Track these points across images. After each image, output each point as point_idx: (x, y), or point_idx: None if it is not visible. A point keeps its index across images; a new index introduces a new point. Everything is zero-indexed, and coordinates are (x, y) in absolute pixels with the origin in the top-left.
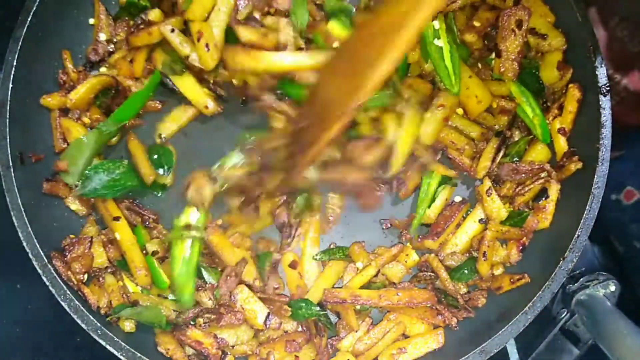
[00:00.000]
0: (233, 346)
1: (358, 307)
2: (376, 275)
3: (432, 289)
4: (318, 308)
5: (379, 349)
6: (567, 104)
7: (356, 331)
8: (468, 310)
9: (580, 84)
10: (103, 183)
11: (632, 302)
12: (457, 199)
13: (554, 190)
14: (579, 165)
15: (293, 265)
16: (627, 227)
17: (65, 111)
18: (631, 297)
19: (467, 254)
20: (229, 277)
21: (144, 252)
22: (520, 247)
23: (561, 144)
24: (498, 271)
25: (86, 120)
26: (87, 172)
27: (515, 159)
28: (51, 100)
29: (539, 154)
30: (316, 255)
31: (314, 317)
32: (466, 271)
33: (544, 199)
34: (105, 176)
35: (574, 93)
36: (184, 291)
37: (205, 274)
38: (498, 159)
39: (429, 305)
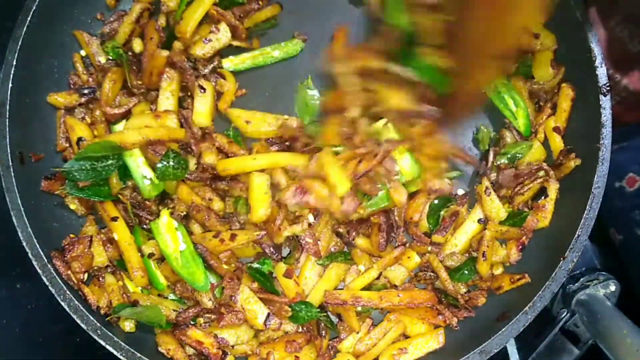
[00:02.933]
0: (233, 346)
1: (359, 308)
2: (378, 277)
3: (432, 289)
4: (318, 310)
5: (380, 348)
6: (560, 102)
7: (357, 332)
8: (468, 310)
9: (573, 83)
10: (90, 187)
11: (632, 302)
12: (460, 192)
13: (552, 189)
14: (578, 162)
15: (288, 274)
16: (630, 213)
17: (70, 110)
18: (631, 297)
19: (467, 255)
20: (231, 280)
21: (141, 253)
22: (520, 247)
23: (557, 142)
24: (498, 271)
25: (89, 119)
26: (76, 174)
27: (515, 157)
28: (58, 99)
29: (535, 153)
30: (317, 260)
31: (315, 319)
32: (466, 272)
33: (543, 198)
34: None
35: (568, 92)
36: (196, 279)
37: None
38: (491, 163)
39: (429, 305)
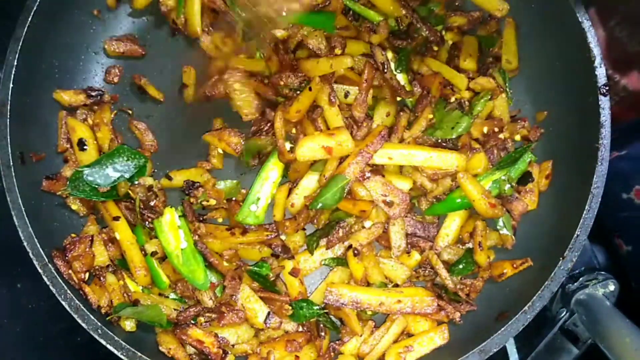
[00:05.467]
0: (234, 345)
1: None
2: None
3: (431, 285)
4: (319, 307)
5: (384, 346)
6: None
7: (360, 335)
8: (471, 304)
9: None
10: (91, 187)
11: (631, 301)
12: None
13: (536, 172)
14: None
15: (294, 273)
16: (639, 225)
17: (72, 111)
18: (630, 296)
19: (460, 245)
20: (232, 280)
21: (144, 252)
22: (513, 231)
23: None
24: (491, 257)
25: (91, 121)
26: (78, 174)
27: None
28: (64, 97)
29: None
30: (324, 260)
31: (315, 317)
32: (461, 265)
33: (529, 181)
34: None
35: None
36: (197, 277)
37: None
38: None
39: (430, 312)
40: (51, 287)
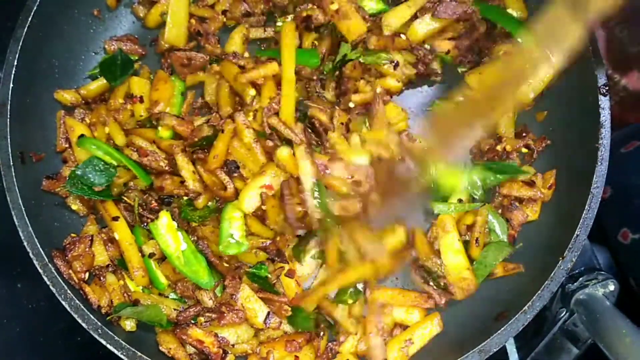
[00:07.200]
0: (233, 345)
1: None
2: None
3: (416, 268)
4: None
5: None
6: None
7: (356, 334)
8: (451, 293)
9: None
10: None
11: (631, 301)
12: None
13: (539, 182)
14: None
15: (289, 274)
16: None
17: (70, 110)
18: (630, 296)
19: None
20: (233, 280)
21: (142, 253)
22: (511, 240)
23: None
24: None
25: (88, 120)
26: (78, 173)
27: None
28: (65, 95)
29: None
30: (313, 254)
31: (312, 323)
32: None
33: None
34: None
35: None
36: (200, 276)
37: None
38: None
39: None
40: (51, 287)
